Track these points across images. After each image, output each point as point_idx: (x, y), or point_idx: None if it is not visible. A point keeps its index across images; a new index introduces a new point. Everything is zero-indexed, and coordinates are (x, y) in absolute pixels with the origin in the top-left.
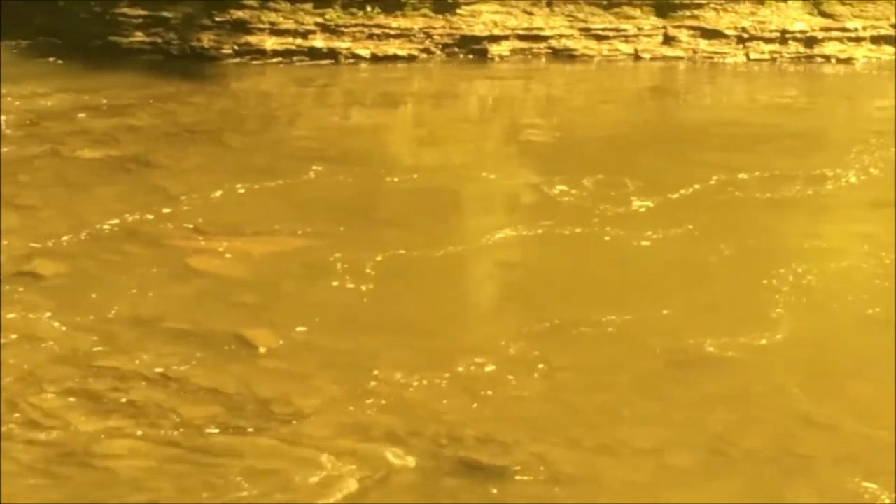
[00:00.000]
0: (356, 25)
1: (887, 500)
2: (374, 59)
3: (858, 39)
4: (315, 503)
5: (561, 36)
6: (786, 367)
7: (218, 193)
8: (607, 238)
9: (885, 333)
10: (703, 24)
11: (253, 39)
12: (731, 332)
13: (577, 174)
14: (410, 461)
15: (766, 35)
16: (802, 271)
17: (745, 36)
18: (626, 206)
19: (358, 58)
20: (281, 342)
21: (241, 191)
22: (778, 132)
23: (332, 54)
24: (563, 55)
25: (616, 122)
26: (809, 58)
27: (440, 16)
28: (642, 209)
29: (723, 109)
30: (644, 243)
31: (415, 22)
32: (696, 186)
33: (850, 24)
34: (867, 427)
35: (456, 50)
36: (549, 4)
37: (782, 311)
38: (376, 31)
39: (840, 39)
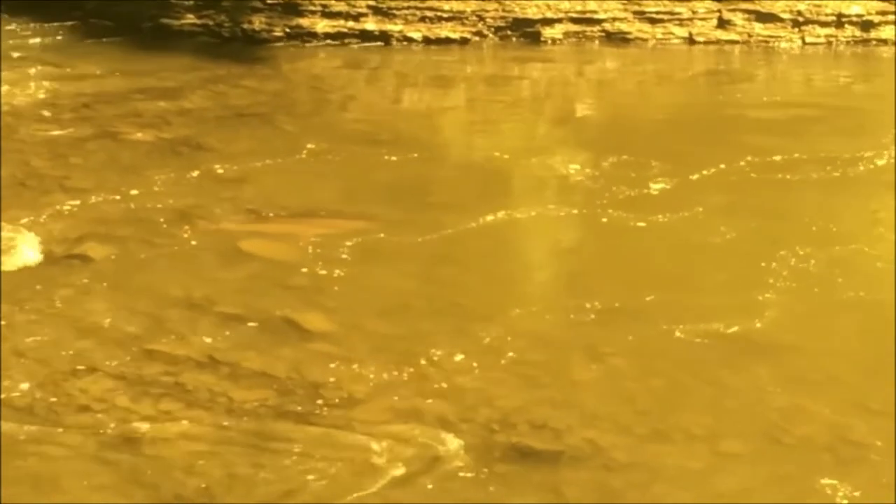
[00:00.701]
0: (408, 8)
1: None
2: (427, 41)
3: None
4: (365, 488)
5: (615, 19)
6: (831, 354)
7: (269, 176)
8: (605, 220)
9: None
10: (759, 8)
11: (304, 22)
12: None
13: (605, 156)
14: (462, 446)
15: (822, 19)
16: (804, 254)
17: (801, 20)
18: (641, 189)
19: (410, 40)
20: (332, 326)
21: (293, 174)
22: (824, 116)
23: (384, 37)
24: (617, 38)
25: (664, 105)
26: (866, 42)
27: None
28: (656, 191)
29: (773, 93)
30: (640, 224)
31: (467, 5)
32: (722, 167)
33: None
34: None
35: (508, 33)
36: None
37: (772, 295)
38: (428, 13)
39: None
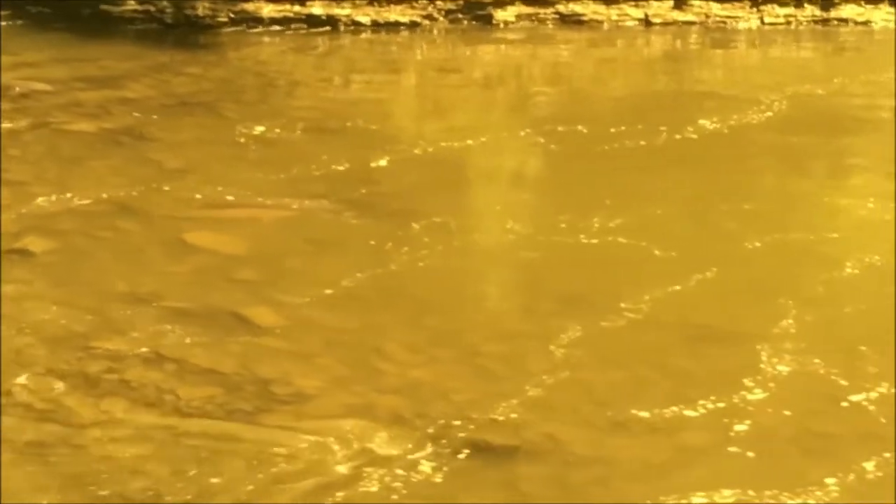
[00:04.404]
0: None
1: None
2: (375, 26)
3: (876, 1)
4: (318, 487)
5: (569, 0)
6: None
7: (214, 166)
8: None
9: None
10: None
11: (249, 7)
12: None
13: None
14: (417, 442)
15: None
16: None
17: None
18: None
19: (358, 25)
20: (282, 320)
21: (239, 163)
22: (717, 92)
23: (332, 21)
24: (571, 21)
25: (579, 91)
26: (826, 21)
27: None
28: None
29: (702, 76)
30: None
31: None
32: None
33: None
34: (890, 403)
35: (460, 16)
36: None
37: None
38: None
39: (857, 1)
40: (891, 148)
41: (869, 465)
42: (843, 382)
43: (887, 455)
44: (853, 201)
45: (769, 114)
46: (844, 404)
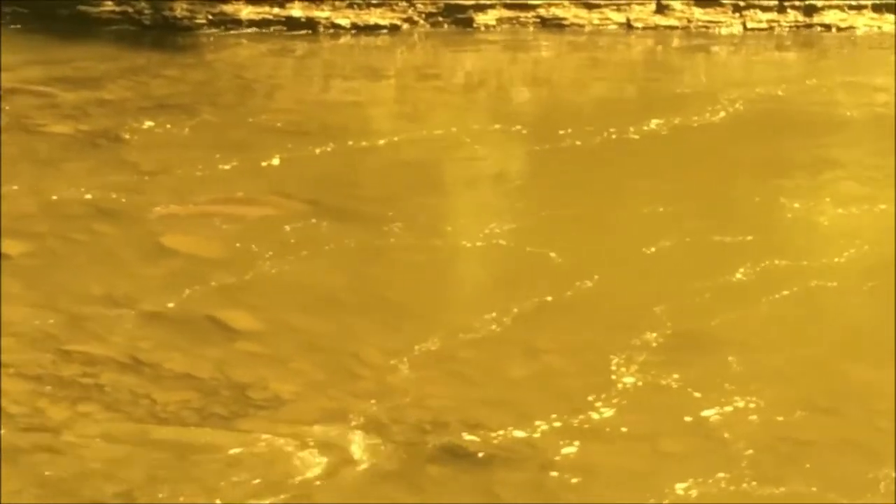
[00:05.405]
0: None
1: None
2: (355, 29)
3: (859, 7)
4: (293, 491)
5: (550, 4)
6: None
7: (192, 169)
8: None
9: None
10: None
11: (228, 8)
12: None
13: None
14: (393, 448)
15: (764, 3)
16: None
17: (742, 4)
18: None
19: (338, 28)
20: (258, 324)
21: (217, 167)
22: (678, 93)
23: (311, 24)
24: (552, 24)
25: (553, 95)
26: (809, 27)
27: None
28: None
29: (674, 79)
30: None
31: None
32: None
33: None
34: (867, 410)
35: (440, 19)
36: None
37: None
38: None
39: (840, 7)
40: (839, 150)
41: (681, 488)
42: (697, 395)
43: (721, 475)
44: (785, 202)
45: (722, 114)
46: (688, 419)
